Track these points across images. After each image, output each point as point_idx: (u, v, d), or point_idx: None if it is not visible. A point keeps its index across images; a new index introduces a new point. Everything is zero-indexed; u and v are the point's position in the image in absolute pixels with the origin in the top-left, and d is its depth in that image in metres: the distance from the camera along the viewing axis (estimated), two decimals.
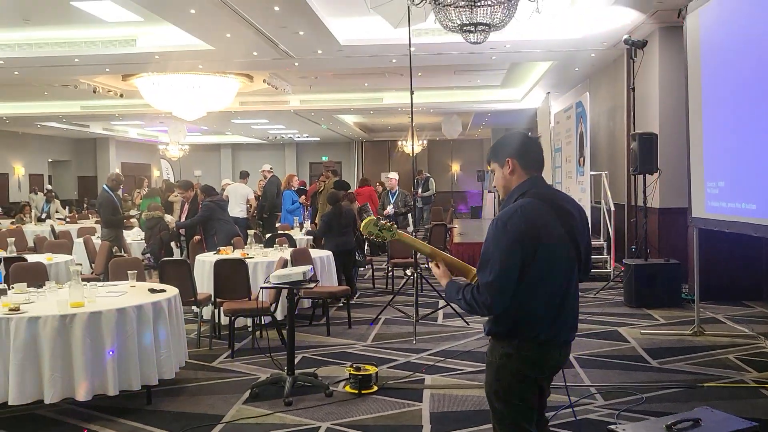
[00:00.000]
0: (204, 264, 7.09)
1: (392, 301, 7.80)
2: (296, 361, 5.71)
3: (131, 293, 5.14)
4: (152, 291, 5.17)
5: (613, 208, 10.18)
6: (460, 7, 5.37)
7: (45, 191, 19.35)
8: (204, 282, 6.87)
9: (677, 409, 4.29)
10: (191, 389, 5.17)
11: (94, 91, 13.66)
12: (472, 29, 5.46)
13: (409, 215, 13.31)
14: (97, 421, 4.48)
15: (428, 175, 17.84)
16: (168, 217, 10.34)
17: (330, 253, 7.90)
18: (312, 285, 4.90)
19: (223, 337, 6.60)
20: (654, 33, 9.35)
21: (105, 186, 9.47)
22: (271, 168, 12.42)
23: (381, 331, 7.05)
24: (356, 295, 8.95)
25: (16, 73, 11.96)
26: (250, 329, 6.74)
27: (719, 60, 5.88)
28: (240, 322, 6.79)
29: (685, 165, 6.51)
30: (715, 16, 5.96)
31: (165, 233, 8.65)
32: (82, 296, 4.63)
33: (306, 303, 7.49)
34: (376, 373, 5.12)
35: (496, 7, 5.38)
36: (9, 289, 5.00)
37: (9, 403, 4.32)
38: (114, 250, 8.63)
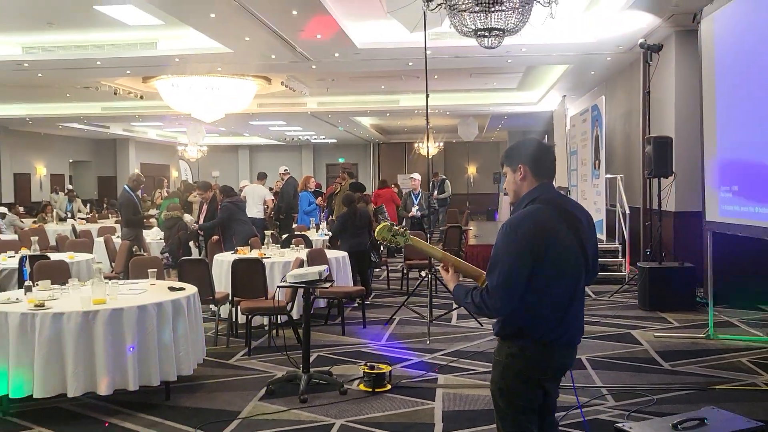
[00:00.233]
0: (222, 263, 7.22)
1: (407, 301, 7.88)
2: (311, 359, 5.81)
3: (151, 291, 5.27)
4: (172, 289, 5.29)
5: (628, 212, 10.19)
6: (475, 12, 5.44)
7: (66, 191, 19.65)
8: (222, 281, 7.00)
9: (687, 410, 4.33)
10: (209, 386, 5.29)
11: (115, 93, 13.88)
12: (486, 34, 5.53)
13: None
14: (118, 416, 4.61)
15: (444, 177, 17.88)
16: (187, 217, 10.49)
17: (345, 253, 8.00)
18: (327, 285, 5.00)
19: (240, 336, 6.71)
20: (670, 37, 9.35)
21: (126, 186, 9.64)
22: (287, 170, 12.55)
23: (395, 331, 7.14)
24: (371, 296, 9.05)
25: (39, 75, 12.21)
26: (266, 328, 6.85)
27: (733, 64, 5.91)
28: (257, 320, 6.90)
29: (701, 169, 6.53)
30: (729, 20, 5.98)
31: (183, 233, 8.80)
32: (104, 293, 4.76)
33: (321, 303, 7.58)
34: (390, 371, 5.21)
35: (510, 12, 5.43)
36: (34, 286, 5.16)
37: (34, 396, 4.46)
38: (134, 249, 8.79)
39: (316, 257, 7.21)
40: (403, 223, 12.51)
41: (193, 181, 16.43)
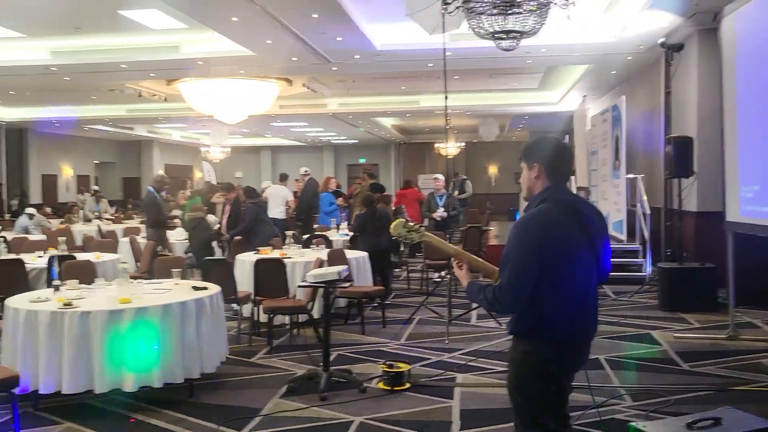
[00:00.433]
0: (244, 263, 7.34)
1: (426, 301, 7.94)
2: (332, 358, 5.88)
3: (175, 290, 5.39)
4: (195, 288, 5.41)
5: (648, 212, 10.14)
6: (493, 15, 5.49)
7: (92, 192, 19.99)
8: (244, 281, 7.11)
9: (705, 411, 4.34)
10: (231, 383, 5.40)
11: (139, 95, 14.11)
12: (503, 36, 5.57)
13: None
14: (143, 412, 4.74)
15: (464, 177, 17.89)
16: (210, 218, 10.64)
17: (365, 254, 8.08)
18: (347, 284, 5.09)
19: (262, 334, 6.81)
20: (692, 36, 9.29)
21: (150, 187, 9.81)
22: (307, 171, 12.66)
23: (414, 330, 7.20)
24: (391, 296, 9.12)
25: (66, 78, 12.45)
26: (288, 327, 6.95)
27: (755, 63, 5.88)
28: (278, 319, 6.99)
29: (721, 169, 6.51)
30: (751, 19, 5.96)
31: (206, 233, 8.95)
32: (130, 293, 4.89)
33: (342, 302, 7.67)
34: (409, 370, 5.28)
35: (527, 14, 5.48)
36: (62, 285, 5.30)
37: (62, 392, 4.61)
38: (158, 249, 8.95)
39: (335, 257, 7.30)
40: (425, 223, 12.51)
41: (216, 182, 16.62)
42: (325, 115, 18.59)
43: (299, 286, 5.47)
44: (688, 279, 8.01)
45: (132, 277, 6.00)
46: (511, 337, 2.87)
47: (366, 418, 4.55)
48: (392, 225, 3.06)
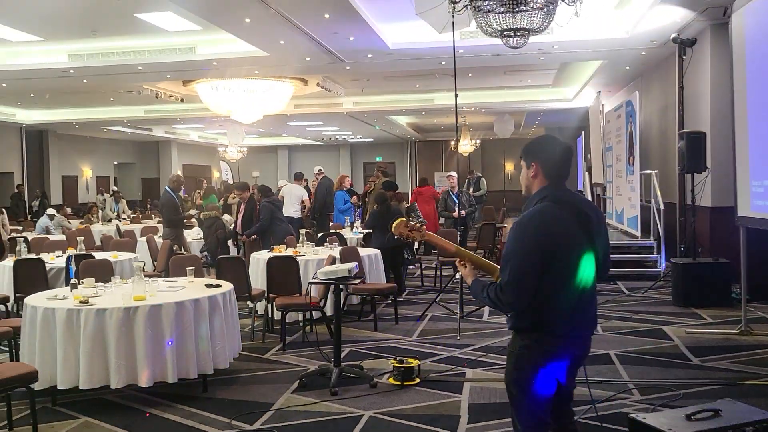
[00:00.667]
0: (258, 261, 7.44)
1: (438, 298, 7.99)
2: (344, 354, 6.00)
3: (189, 288, 5.50)
4: (209, 286, 5.51)
5: (662, 207, 10.10)
6: (500, 13, 5.52)
7: (111, 192, 20.27)
8: (258, 278, 7.21)
9: None
10: (244, 379, 5.49)
11: (157, 97, 14.28)
12: (511, 34, 5.61)
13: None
14: (158, 406, 4.85)
15: (479, 174, 17.91)
16: (226, 217, 10.79)
17: (378, 251, 8.15)
18: (357, 281, 5.16)
19: (276, 331, 6.91)
20: (705, 30, 9.25)
21: (167, 187, 9.96)
22: (321, 170, 12.76)
23: (427, 327, 7.26)
24: (405, 293, 9.18)
25: (84, 81, 12.66)
26: (301, 324, 7.04)
27: (764, 58, 5.87)
28: (292, 317, 7.10)
29: (732, 164, 6.50)
30: (760, 14, 5.94)
31: (221, 232, 9.07)
32: (145, 290, 5.00)
33: (355, 299, 7.75)
34: (419, 365, 5.34)
35: (535, 11, 5.51)
36: (79, 283, 5.43)
37: (79, 387, 4.72)
38: (174, 248, 9.09)
39: (348, 255, 7.38)
40: (441, 221, 12.54)
41: (231, 182, 16.80)
42: (340, 114, 18.69)
43: (310, 283, 5.54)
44: (702, 274, 7.98)
45: (148, 276, 6.15)
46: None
47: (375, 413, 4.62)
48: (394, 225, 3.12)
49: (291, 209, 11.78)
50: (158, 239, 10.12)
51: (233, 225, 9.91)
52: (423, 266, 10.50)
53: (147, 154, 26.63)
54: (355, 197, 12.51)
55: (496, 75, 14.22)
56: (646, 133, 12.61)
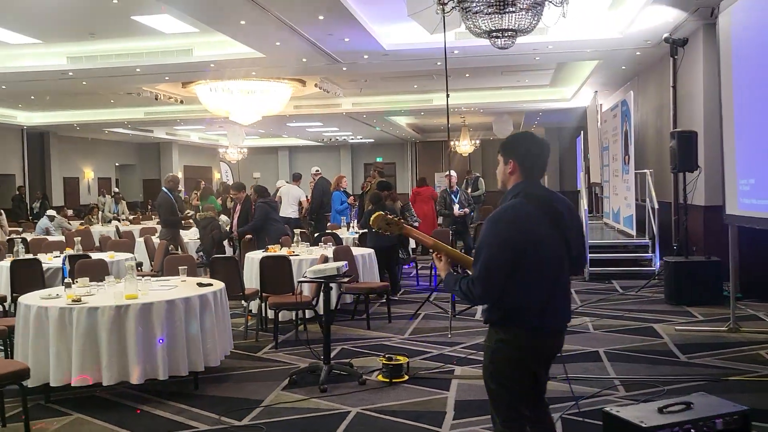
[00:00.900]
0: (253, 261, 7.51)
1: (431, 297, 8.06)
2: (336, 352, 6.08)
3: (181, 287, 5.57)
4: (200, 285, 5.59)
5: (656, 206, 10.15)
6: (488, 14, 5.59)
7: (113, 193, 20.38)
8: (253, 278, 7.29)
9: None
10: (236, 376, 5.57)
11: (156, 98, 14.39)
12: (498, 35, 5.67)
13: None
14: (149, 403, 4.92)
15: (477, 174, 17.96)
16: (223, 218, 10.87)
17: (371, 250, 8.22)
18: (345, 279, 5.22)
19: (269, 330, 6.98)
20: (698, 30, 9.30)
21: (164, 188, 10.03)
22: (318, 170, 12.83)
23: (419, 325, 7.33)
24: (400, 292, 9.25)
25: (84, 83, 12.76)
26: (294, 323, 7.10)
27: (750, 58, 5.92)
28: (286, 316, 7.17)
29: (721, 162, 6.55)
30: (746, 14, 5.99)
31: (217, 232, 9.15)
32: (136, 289, 5.07)
33: (348, 298, 7.82)
34: (407, 363, 5.40)
35: (522, 12, 5.57)
36: (73, 283, 5.50)
37: (72, 385, 4.80)
38: (170, 248, 9.17)
39: (341, 254, 7.44)
40: (439, 221, 12.61)
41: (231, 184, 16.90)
42: (340, 114, 18.77)
43: (299, 282, 5.61)
44: (694, 273, 8.03)
45: (145, 275, 6.23)
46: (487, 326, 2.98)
47: (363, 409, 4.69)
48: (372, 219, 3.19)
49: (289, 210, 11.87)
50: (156, 240, 10.19)
51: (229, 226, 9.98)
52: (419, 266, 10.54)
53: (148, 155, 26.74)
54: (352, 197, 12.58)
55: (493, 75, 14.29)
56: (642, 133, 12.66)
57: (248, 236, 9.05)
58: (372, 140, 28.53)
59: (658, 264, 10.00)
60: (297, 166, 28.64)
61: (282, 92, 14.22)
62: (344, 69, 12.05)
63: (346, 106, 17.86)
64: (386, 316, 7.59)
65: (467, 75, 13.60)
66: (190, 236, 10.94)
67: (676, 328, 6.80)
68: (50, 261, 7.96)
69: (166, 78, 12.80)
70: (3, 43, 10.61)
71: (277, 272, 6.71)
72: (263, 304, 7.00)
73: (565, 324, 2.98)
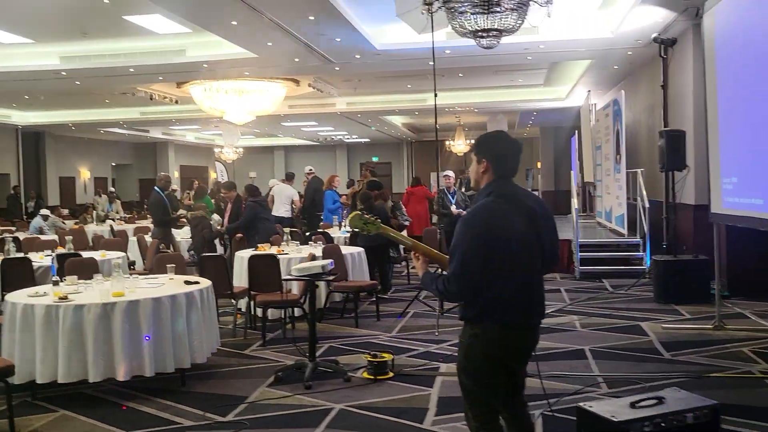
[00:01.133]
0: (243, 260, 7.54)
1: (419, 295, 8.10)
2: (323, 350, 6.13)
3: (168, 285, 5.61)
4: (187, 283, 5.63)
5: (647, 205, 10.20)
6: (474, 14, 5.63)
7: (108, 193, 20.40)
8: (242, 276, 7.33)
9: None
10: (222, 373, 5.61)
11: (151, 98, 14.40)
12: (483, 34, 5.71)
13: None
14: (136, 400, 4.96)
15: None
16: (216, 217, 10.90)
17: (362, 249, 8.26)
18: (330, 277, 5.26)
19: (257, 328, 7.02)
20: (687, 31, 9.34)
21: (155, 187, 10.07)
22: (311, 170, 12.87)
23: (407, 323, 7.37)
24: (391, 290, 9.29)
25: (77, 83, 12.77)
26: (283, 321, 7.14)
27: (732, 58, 5.97)
28: (275, 314, 7.20)
29: (706, 161, 6.61)
30: (728, 14, 6.05)
31: (207, 231, 9.19)
32: (123, 287, 5.11)
33: (337, 297, 7.85)
34: (392, 360, 5.45)
35: (507, 13, 5.61)
36: (61, 281, 5.54)
37: (58, 381, 4.84)
38: (161, 247, 9.20)
39: (330, 253, 7.48)
40: (434, 220, 12.65)
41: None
42: (334, 114, 18.77)
43: (284, 280, 5.65)
44: (683, 271, 8.08)
45: (138, 274, 6.27)
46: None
47: (346, 405, 4.73)
48: (349, 217, 3.23)
49: (281, 209, 11.89)
50: (148, 238, 10.23)
51: (219, 226, 10.01)
52: (410, 265, 10.59)
53: (144, 155, 26.74)
54: (344, 196, 12.62)
55: (487, 75, 14.30)
56: (634, 132, 12.71)
57: (239, 235, 9.09)
58: (368, 140, 28.57)
59: (649, 263, 10.04)
60: (293, 165, 28.65)
61: (276, 92, 14.24)
62: (337, 69, 12.08)
63: (340, 106, 17.88)
64: (375, 315, 7.63)
65: (460, 75, 13.64)
66: (183, 235, 10.98)
67: (663, 326, 6.85)
68: (41, 260, 7.99)
69: (160, 78, 12.82)
70: None
71: (265, 271, 6.74)
72: (252, 303, 7.03)
73: (539, 320, 3.02)
